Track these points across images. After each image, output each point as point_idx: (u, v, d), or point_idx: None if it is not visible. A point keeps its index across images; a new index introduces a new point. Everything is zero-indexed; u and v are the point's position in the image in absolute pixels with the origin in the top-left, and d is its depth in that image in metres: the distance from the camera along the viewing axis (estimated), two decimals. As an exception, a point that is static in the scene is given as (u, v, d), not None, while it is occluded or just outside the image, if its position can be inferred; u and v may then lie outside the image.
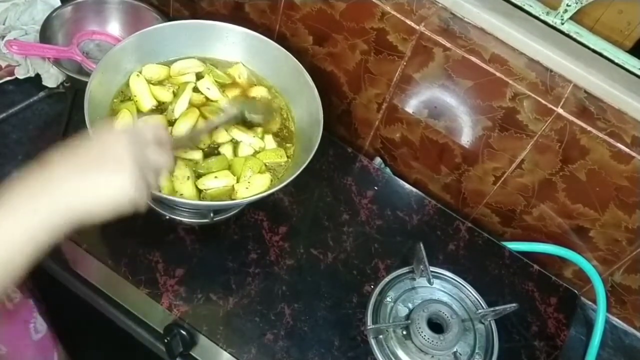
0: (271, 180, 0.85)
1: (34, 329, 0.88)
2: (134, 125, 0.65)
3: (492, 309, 0.86)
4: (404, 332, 0.85)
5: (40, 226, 0.53)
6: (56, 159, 0.56)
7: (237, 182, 0.84)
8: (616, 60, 0.87)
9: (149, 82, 0.90)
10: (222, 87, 0.93)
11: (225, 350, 0.79)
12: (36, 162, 0.56)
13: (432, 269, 0.90)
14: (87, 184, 0.55)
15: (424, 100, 0.97)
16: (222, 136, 0.88)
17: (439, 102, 0.95)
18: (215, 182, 0.83)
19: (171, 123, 0.87)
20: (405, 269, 0.92)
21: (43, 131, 0.97)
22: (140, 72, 0.90)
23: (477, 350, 0.85)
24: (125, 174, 0.57)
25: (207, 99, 0.92)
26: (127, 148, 0.58)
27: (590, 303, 1.04)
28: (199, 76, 0.93)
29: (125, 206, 0.58)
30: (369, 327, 0.84)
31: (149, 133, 0.64)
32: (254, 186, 0.83)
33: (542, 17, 0.89)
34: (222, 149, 0.87)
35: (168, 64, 0.93)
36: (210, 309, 0.82)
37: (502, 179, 0.98)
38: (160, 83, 0.91)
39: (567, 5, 0.85)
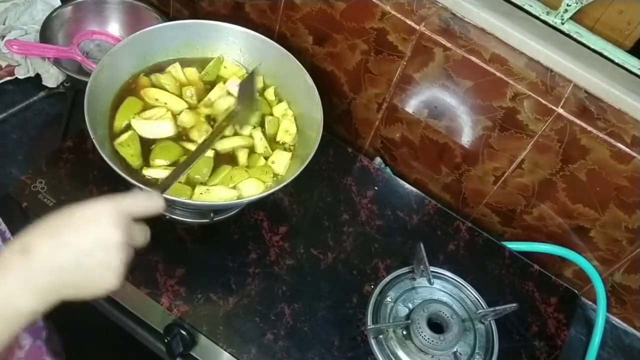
0: (236, 197, 0.82)
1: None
2: (124, 200, 0.54)
3: (492, 309, 0.86)
4: (404, 332, 0.85)
5: (12, 304, 0.48)
6: (36, 236, 0.51)
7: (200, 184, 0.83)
8: (616, 60, 0.87)
9: None
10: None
11: (225, 350, 0.79)
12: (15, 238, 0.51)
13: (432, 269, 0.90)
14: (74, 269, 0.50)
15: (424, 100, 0.97)
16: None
17: (439, 102, 0.95)
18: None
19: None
20: (405, 269, 0.92)
21: (43, 131, 0.97)
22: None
23: (477, 350, 0.85)
24: (115, 274, 0.52)
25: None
26: (119, 243, 0.52)
27: (590, 303, 1.04)
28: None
29: (105, 293, 0.53)
30: (369, 327, 0.84)
31: (138, 208, 0.55)
32: (212, 195, 0.81)
33: (542, 17, 0.89)
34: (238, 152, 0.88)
35: (167, 64, 0.93)
36: (210, 309, 0.82)
37: (502, 179, 0.98)
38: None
39: (567, 5, 0.85)
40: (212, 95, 0.92)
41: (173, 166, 0.82)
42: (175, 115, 0.88)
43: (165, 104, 0.89)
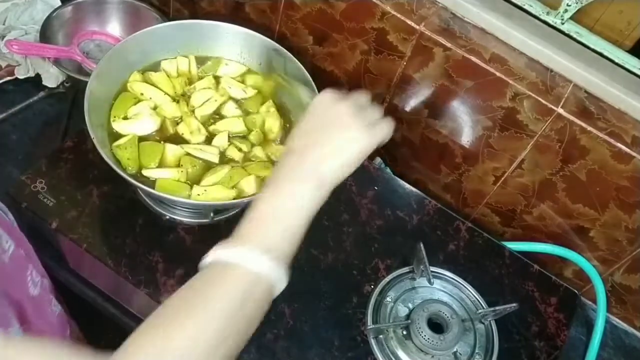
0: (234, 197, 0.81)
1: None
2: (341, 94, 0.69)
3: (492, 309, 0.86)
4: (404, 332, 0.85)
5: (311, 200, 0.64)
6: (294, 143, 0.65)
7: (198, 184, 0.82)
8: (616, 60, 0.87)
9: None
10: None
11: (225, 350, 0.79)
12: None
13: (432, 269, 0.90)
14: (328, 150, 0.63)
15: (424, 100, 0.97)
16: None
17: (439, 102, 0.95)
18: (161, 172, 0.81)
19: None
20: (405, 269, 0.92)
21: (43, 131, 0.97)
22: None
23: (477, 350, 0.85)
24: (352, 129, 0.64)
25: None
26: (345, 110, 0.65)
27: (590, 303, 1.04)
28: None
29: (368, 149, 0.64)
30: (369, 327, 0.84)
31: (360, 98, 0.69)
32: (210, 195, 0.81)
33: (542, 17, 0.89)
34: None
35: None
36: (210, 309, 0.82)
37: (502, 179, 0.98)
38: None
39: (567, 5, 0.85)
40: (199, 84, 0.92)
41: (161, 167, 0.82)
42: (159, 109, 0.87)
43: (150, 98, 0.88)
